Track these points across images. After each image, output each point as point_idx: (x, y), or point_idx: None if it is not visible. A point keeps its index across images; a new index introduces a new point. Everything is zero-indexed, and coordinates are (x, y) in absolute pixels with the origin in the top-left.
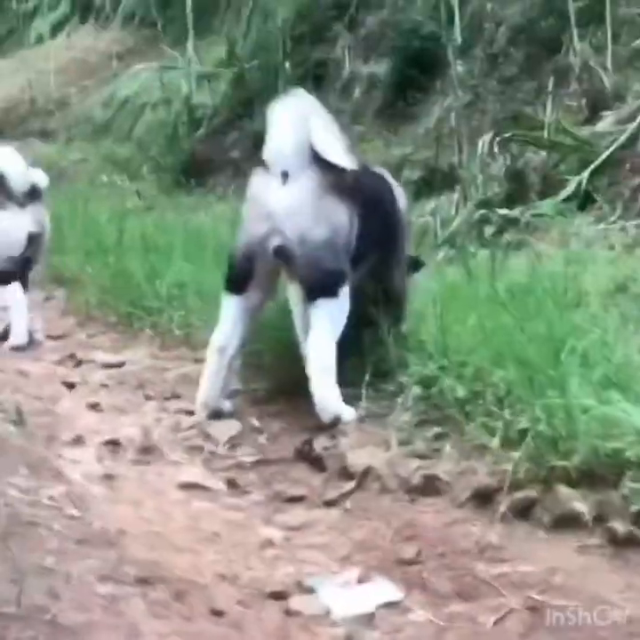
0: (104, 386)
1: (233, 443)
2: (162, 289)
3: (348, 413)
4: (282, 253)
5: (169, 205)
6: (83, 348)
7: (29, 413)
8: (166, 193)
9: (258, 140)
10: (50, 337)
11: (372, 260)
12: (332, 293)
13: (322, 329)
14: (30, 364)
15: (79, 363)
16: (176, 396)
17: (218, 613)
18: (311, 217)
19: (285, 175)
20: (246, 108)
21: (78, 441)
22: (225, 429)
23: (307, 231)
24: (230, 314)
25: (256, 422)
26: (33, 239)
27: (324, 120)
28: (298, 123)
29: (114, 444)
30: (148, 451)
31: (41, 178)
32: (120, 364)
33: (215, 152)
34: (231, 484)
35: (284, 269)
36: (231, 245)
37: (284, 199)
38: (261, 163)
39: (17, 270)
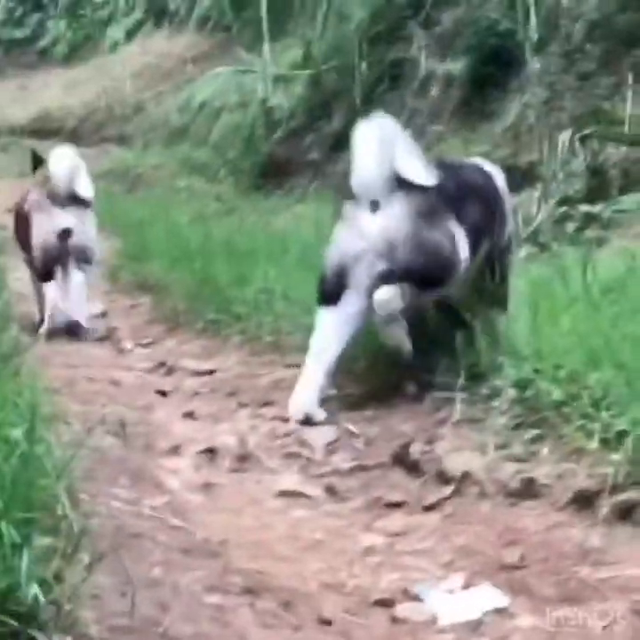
0: (197, 394)
1: (329, 449)
2: (249, 295)
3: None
4: (384, 277)
5: (248, 208)
6: (173, 356)
7: (126, 422)
8: (245, 196)
9: (336, 142)
10: (139, 345)
11: (484, 249)
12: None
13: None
14: (122, 373)
15: (170, 371)
16: (269, 403)
17: (326, 622)
18: (405, 246)
19: (375, 205)
20: (323, 110)
21: (175, 450)
22: (321, 435)
23: (405, 256)
24: (325, 324)
25: (352, 427)
26: (66, 235)
27: (404, 141)
28: (381, 151)
29: (210, 452)
30: (244, 459)
31: (87, 186)
32: (211, 372)
33: (293, 154)
34: (329, 490)
35: None
36: (322, 263)
37: (377, 229)
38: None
39: (53, 268)
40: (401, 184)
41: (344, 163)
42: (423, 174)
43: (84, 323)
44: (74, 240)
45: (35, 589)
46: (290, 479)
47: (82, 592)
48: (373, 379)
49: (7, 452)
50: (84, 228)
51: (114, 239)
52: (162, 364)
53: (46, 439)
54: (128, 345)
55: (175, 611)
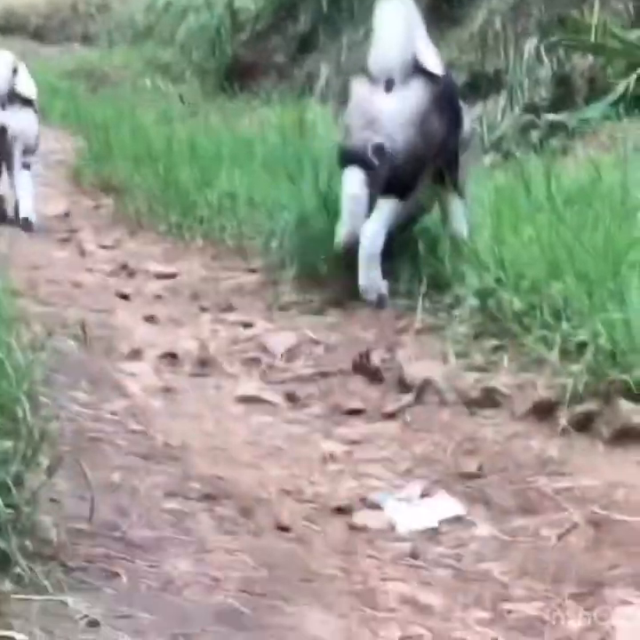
0: (158, 297)
1: (290, 355)
2: (213, 198)
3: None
4: (378, 151)
5: (213, 110)
6: (135, 258)
7: (86, 326)
8: (210, 97)
9: (302, 45)
10: (101, 246)
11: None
12: (402, 196)
13: (378, 222)
14: (84, 275)
15: (132, 273)
16: (231, 308)
17: (284, 529)
18: (413, 126)
19: (391, 83)
20: (289, 12)
21: (136, 354)
22: (281, 341)
23: (406, 138)
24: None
25: (312, 334)
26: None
27: (421, 27)
28: (404, 33)
29: (171, 356)
30: (205, 363)
31: (30, 88)
32: (173, 275)
33: (258, 56)
34: (290, 397)
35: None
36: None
37: (390, 107)
38: (361, 69)
39: None
40: (418, 70)
41: (309, 65)
42: (437, 62)
43: (32, 218)
44: (14, 137)
45: None
46: (250, 385)
47: (41, 496)
48: (335, 284)
49: None
50: (25, 125)
51: (77, 139)
52: (124, 267)
53: (7, 341)
54: (90, 246)
55: (134, 515)
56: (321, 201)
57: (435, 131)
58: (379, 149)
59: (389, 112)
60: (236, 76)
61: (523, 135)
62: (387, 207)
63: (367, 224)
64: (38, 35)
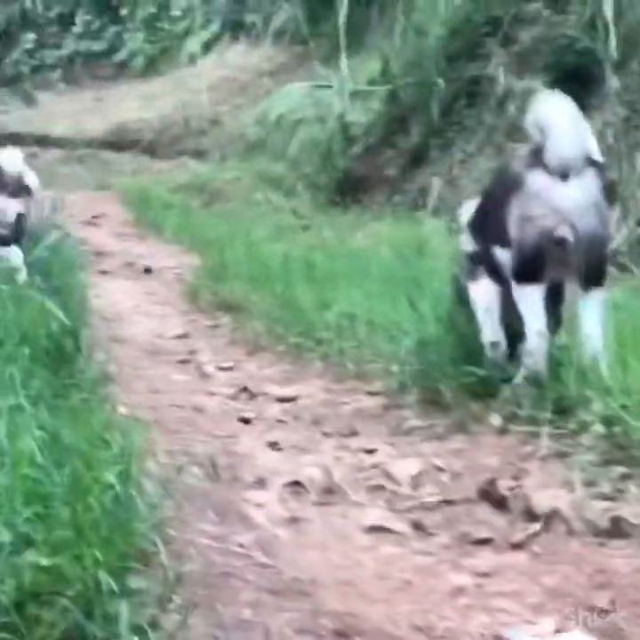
0: (280, 421)
1: (415, 482)
2: (331, 318)
3: None
4: (565, 244)
5: (325, 224)
6: (255, 381)
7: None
8: (322, 211)
9: (413, 158)
10: (220, 368)
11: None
12: (603, 285)
13: (595, 314)
14: (205, 399)
15: (253, 396)
16: (354, 433)
17: None
18: (595, 215)
19: (567, 174)
20: (400, 126)
21: (261, 483)
22: (406, 468)
23: (592, 228)
24: (535, 301)
25: (436, 460)
26: (20, 218)
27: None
28: (577, 125)
29: (296, 484)
30: (330, 491)
31: (32, 179)
32: (294, 398)
33: (369, 170)
34: (416, 526)
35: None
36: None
37: (571, 197)
38: (537, 162)
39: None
40: (590, 160)
41: (421, 179)
42: (598, 153)
43: None
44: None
45: None
46: (376, 514)
47: (177, 638)
48: (458, 409)
49: (100, 494)
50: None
51: (191, 255)
52: (244, 389)
53: (138, 479)
54: (210, 368)
55: None
56: (442, 324)
57: (607, 220)
58: (562, 240)
59: (573, 201)
60: (348, 190)
61: (638, 248)
62: (596, 300)
63: (592, 323)
64: (151, 150)
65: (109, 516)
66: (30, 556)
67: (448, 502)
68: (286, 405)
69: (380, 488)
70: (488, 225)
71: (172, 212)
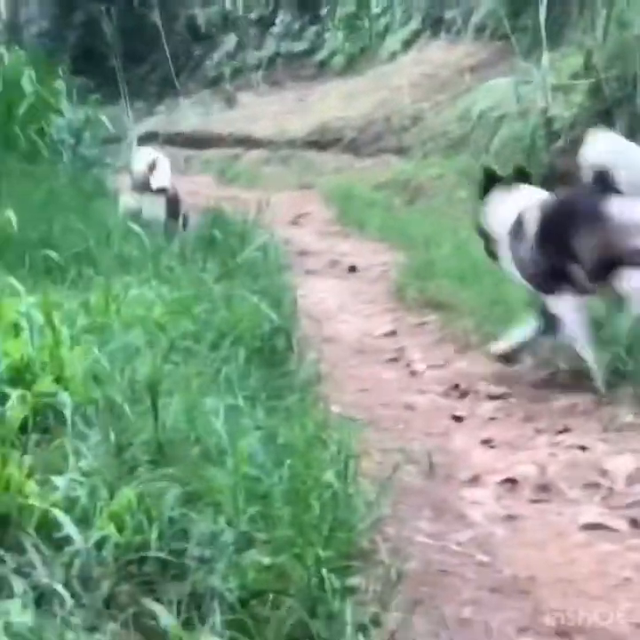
0: (492, 419)
1: (630, 479)
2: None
3: None
4: None
5: None
6: (465, 378)
7: (423, 451)
8: None
9: None
10: (430, 366)
11: None
12: None
13: None
14: (416, 397)
15: (464, 394)
16: (566, 430)
17: None
18: None
19: None
20: (604, 119)
21: (476, 480)
22: (621, 464)
23: None
24: None
25: None
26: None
27: None
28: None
29: (511, 482)
30: (545, 489)
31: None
32: (505, 395)
33: (574, 164)
34: (634, 523)
35: None
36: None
37: None
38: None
39: None
40: None
41: None
42: None
43: None
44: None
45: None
46: (592, 511)
47: (399, 636)
48: None
49: (321, 494)
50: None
51: (396, 252)
52: (455, 387)
53: (356, 479)
54: (419, 366)
55: None
56: None
57: None
58: None
59: None
60: (553, 185)
61: None
62: None
63: None
64: (352, 148)
65: (329, 514)
66: (253, 555)
67: None
68: (497, 402)
69: (595, 485)
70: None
71: (375, 209)
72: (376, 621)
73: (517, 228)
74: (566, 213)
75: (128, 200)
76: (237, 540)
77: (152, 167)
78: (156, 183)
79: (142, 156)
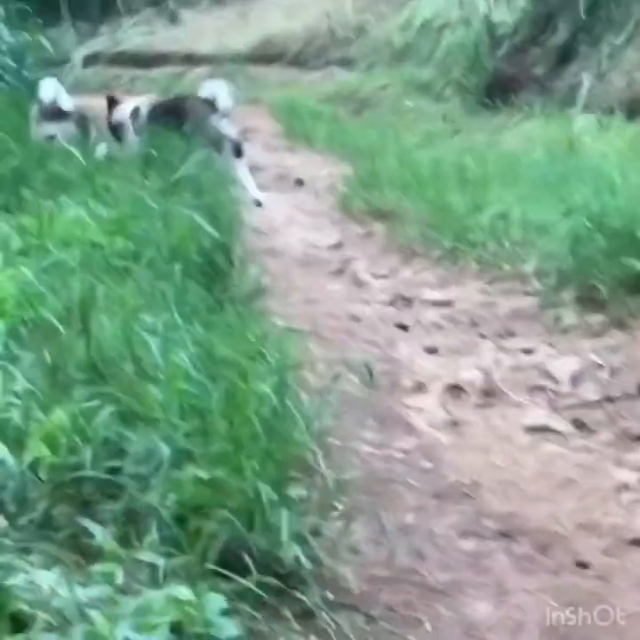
0: (437, 326)
1: (574, 380)
2: (484, 221)
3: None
4: None
5: (476, 127)
6: (410, 287)
7: (367, 361)
8: (471, 114)
9: (562, 56)
10: (376, 276)
11: None
12: None
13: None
14: (361, 307)
15: (409, 302)
16: (511, 334)
17: (583, 565)
18: None
19: None
20: (547, 23)
21: (421, 387)
22: (565, 366)
23: None
24: None
25: (595, 357)
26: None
27: None
28: None
29: (456, 388)
30: (489, 393)
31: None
32: (450, 302)
33: (518, 69)
34: (577, 424)
35: None
36: None
37: None
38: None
39: None
40: None
41: (570, 76)
42: None
43: None
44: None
45: (296, 549)
46: (537, 413)
47: (339, 545)
48: (615, 305)
49: (258, 406)
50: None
51: (342, 164)
52: (400, 296)
53: (294, 390)
54: (365, 277)
55: (431, 558)
56: (595, 220)
57: None
58: None
59: None
60: (497, 92)
61: None
62: None
63: None
64: (297, 61)
65: (267, 427)
66: (190, 470)
67: (608, 399)
68: (443, 310)
69: (540, 388)
70: None
71: (322, 122)
72: (316, 531)
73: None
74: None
75: (43, 127)
76: (174, 456)
77: (56, 94)
78: (62, 107)
79: (47, 86)
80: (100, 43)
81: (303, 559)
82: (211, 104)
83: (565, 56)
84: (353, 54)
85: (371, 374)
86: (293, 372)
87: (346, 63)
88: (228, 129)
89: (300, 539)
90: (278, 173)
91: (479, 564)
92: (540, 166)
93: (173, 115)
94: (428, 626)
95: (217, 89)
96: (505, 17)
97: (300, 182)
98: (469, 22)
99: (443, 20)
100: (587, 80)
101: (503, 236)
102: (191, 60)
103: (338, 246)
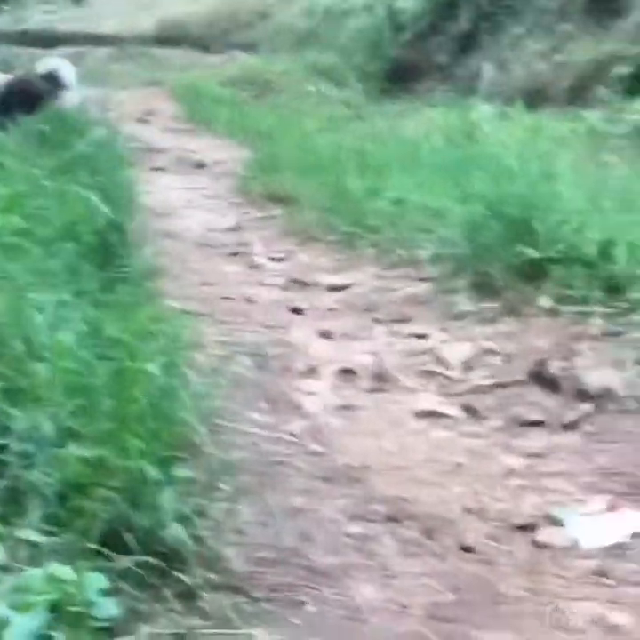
0: (332, 310)
1: (466, 366)
2: (382, 206)
3: None
4: None
5: (377, 113)
6: (307, 271)
7: (263, 344)
8: (373, 100)
9: (463, 44)
10: (272, 259)
11: None
12: None
13: None
14: (257, 290)
15: (305, 286)
16: (405, 319)
17: (468, 549)
18: None
19: None
20: (449, 11)
21: (313, 371)
22: (457, 352)
23: None
24: None
25: (488, 344)
26: None
27: None
28: None
29: (348, 372)
30: (382, 378)
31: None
32: (346, 287)
33: (420, 57)
34: (468, 409)
35: None
36: None
37: None
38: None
39: None
40: None
41: (472, 64)
42: None
43: None
44: None
45: (177, 529)
46: (428, 398)
47: (224, 526)
48: (509, 292)
49: (145, 386)
50: None
51: (243, 148)
52: (296, 280)
53: (183, 371)
54: (262, 260)
55: (318, 541)
56: (491, 207)
57: None
58: None
59: None
60: (399, 78)
61: None
62: None
63: None
64: (200, 44)
65: (154, 407)
66: (74, 449)
67: (499, 385)
68: (338, 294)
69: (432, 373)
70: None
71: (224, 106)
72: (200, 512)
73: None
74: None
75: None
76: (58, 434)
77: None
78: None
79: None
80: (2, 21)
81: (186, 540)
82: (54, 79)
83: (467, 45)
84: (256, 38)
85: (265, 357)
86: (184, 352)
87: (249, 47)
88: (73, 102)
89: (184, 519)
90: (179, 156)
91: (366, 548)
92: (439, 153)
93: (20, 94)
94: (311, 608)
95: (56, 65)
96: (408, 4)
97: (200, 165)
98: (372, 9)
99: (346, 6)
100: (487, 69)
101: (400, 222)
102: (94, 40)
103: (235, 229)
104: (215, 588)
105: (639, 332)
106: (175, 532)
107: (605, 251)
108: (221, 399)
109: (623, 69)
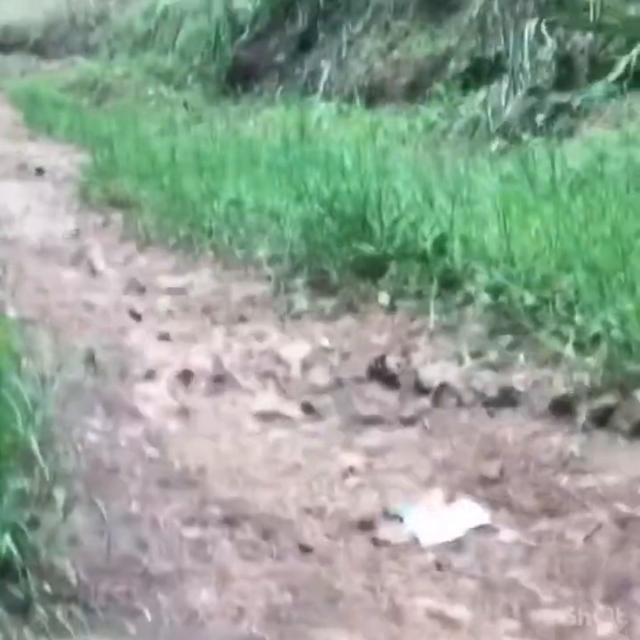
0: (170, 313)
1: (305, 365)
2: (219, 208)
3: None
4: None
5: (217, 114)
6: (145, 275)
7: (99, 349)
8: (213, 102)
9: (301, 44)
10: (111, 264)
11: None
12: None
13: None
14: (95, 296)
15: (143, 290)
16: (243, 320)
17: (306, 549)
18: None
19: None
20: (287, 11)
21: (151, 375)
22: (296, 352)
23: None
24: None
25: (326, 342)
26: None
27: None
28: None
29: (186, 375)
30: (219, 380)
31: None
32: (184, 289)
33: (259, 57)
34: (307, 408)
35: None
36: None
37: None
38: None
39: None
40: None
41: (310, 63)
42: None
43: None
44: None
45: (6, 540)
46: (266, 399)
47: (58, 536)
48: (346, 290)
49: None
50: None
51: (83, 153)
52: (135, 284)
53: (12, 380)
54: (100, 265)
55: (154, 547)
56: (326, 205)
57: None
58: None
59: None
60: (238, 79)
61: (528, 118)
62: None
63: None
64: (38, 50)
65: None
66: None
67: (338, 383)
68: (177, 297)
69: (270, 373)
70: None
71: (63, 111)
72: (33, 522)
73: None
74: None
75: None
76: None
77: None
78: None
79: None
80: None
81: (15, 551)
82: None
83: (305, 43)
84: (94, 42)
85: (98, 363)
86: (13, 361)
87: (87, 51)
88: None
89: (15, 530)
90: (18, 162)
91: (202, 552)
92: (277, 153)
93: None
94: (147, 615)
95: None
96: (245, 4)
97: (40, 171)
98: (210, 10)
99: (184, 7)
100: (326, 67)
101: (237, 223)
102: None
103: (74, 235)
104: (49, 599)
105: (474, 325)
106: (6, 543)
107: (440, 245)
108: (55, 407)
109: (459, 64)
